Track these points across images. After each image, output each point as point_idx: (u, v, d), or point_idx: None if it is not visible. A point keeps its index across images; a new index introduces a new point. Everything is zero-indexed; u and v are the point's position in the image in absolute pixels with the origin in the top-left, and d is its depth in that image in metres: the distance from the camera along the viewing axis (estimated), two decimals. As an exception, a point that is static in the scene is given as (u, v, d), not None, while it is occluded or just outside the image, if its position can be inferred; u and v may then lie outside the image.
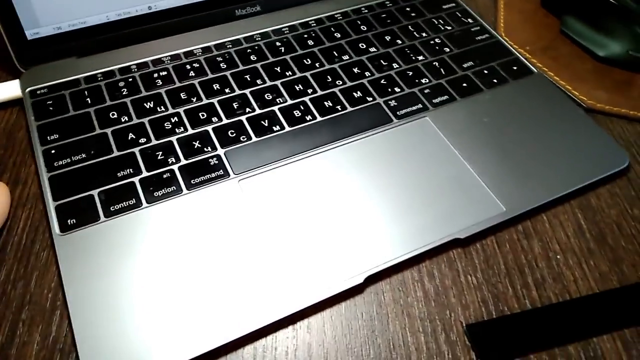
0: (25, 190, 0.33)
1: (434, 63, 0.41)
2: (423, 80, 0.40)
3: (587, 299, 0.30)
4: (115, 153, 0.34)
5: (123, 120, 0.35)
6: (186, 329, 0.26)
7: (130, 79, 0.38)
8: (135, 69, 0.39)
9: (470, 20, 0.45)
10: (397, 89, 0.39)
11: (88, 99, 0.37)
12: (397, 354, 0.27)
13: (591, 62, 0.43)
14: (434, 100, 0.38)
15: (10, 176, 0.34)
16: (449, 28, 0.44)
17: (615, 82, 0.42)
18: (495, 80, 0.40)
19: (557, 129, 0.37)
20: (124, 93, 0.37)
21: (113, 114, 0.36)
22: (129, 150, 0.34)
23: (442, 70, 0.41)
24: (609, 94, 0.41)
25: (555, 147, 0.36)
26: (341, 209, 0.32)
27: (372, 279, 0.30)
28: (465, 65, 0.41)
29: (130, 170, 0.33)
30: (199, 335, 0.26)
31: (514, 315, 0.29)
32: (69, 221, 0.30)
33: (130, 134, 0.35)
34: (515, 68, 0.41)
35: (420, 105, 0.38)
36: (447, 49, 0.42)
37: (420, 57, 0.41)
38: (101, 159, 0.33)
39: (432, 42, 0.43)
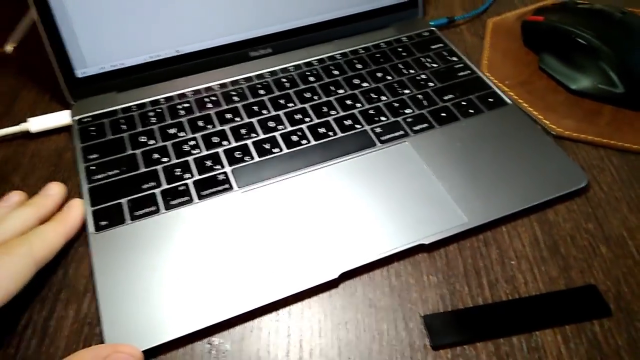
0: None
1: (418, 96, 0.47)
2: (407, 111, 0.46)
3: (534, 297, 0.34)
4: (142, 169, 0.41)
5: (150, 143, 0.43)
6: (190, 308, 0.33)
7: (159, 110, 0.46)
8: (163, 102, 0.47)
9: (454, 59, 0.51)
10: (383, 118, 0.45)
11: (123, 126, 0.44)
12: (362, 338, 0.32)
13: (564, 94, 0.48)
14: (414, 128, 0.44)
15: (58, 187, 0.41)
16: (435, 65, 0.50)
17: (584, 112, 0.47)
18: (471, 111, 0.45)
19: (523, 152, 0.42)
20: (152, 121, 0.45)
21: (143, 138, 0.43)
22: (153, 168, 0.41)
23: (424, 102, 0.46)
24: (577, 122, 0.46)
25: (520, 167, 0.41)
26: (325, 216, 0.37)
27: (347, 275, 0.35)
28: (446, 98, 0.47)
29: (153, 183, 0.40)
30: (200, 313, 0.32)
31: (466, 309, 0.34)
32: (101, 223, 0.37)
33: (155, 154, 0.42)
34: (491, 100, 0.46)
35: (402, 132, 0.44)
36: (432, 84, 0.48)
37: (407, 91, 0.47)
38: (130, 174, 0.40)
39: (418, 77, 0.49)
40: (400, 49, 0.52)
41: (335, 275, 0.34)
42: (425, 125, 0.44)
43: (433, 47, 0.52)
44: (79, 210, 0.37)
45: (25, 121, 0.45)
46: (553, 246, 0.37)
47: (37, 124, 0.45)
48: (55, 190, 0.38)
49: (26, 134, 0.45)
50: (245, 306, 0.33)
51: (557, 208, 0.40)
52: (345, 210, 0.38)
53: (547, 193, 0.39)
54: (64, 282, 0.35)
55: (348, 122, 0.45)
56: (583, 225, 0.38)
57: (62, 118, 0.45)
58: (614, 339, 0.32)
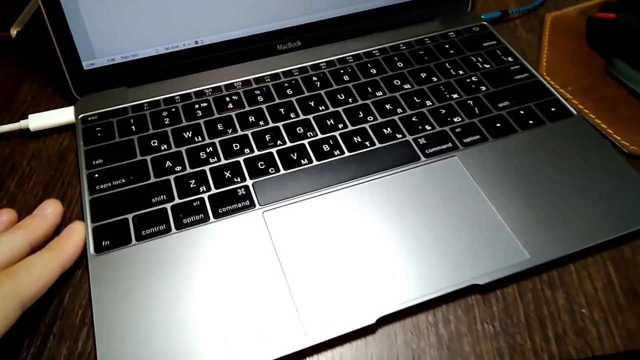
0: (69, 210, 0.35)
1: (469, 102, 0.41)
2: (455, 119, 0.40)
3: (611, 357, 0.29)
4: (152, 179, 0.36)
5: (162, 148, 0.38)
6: (202, 353, 0.28)
7: (173, 109, 0.41)
8: (179, 100, 0.41)
9: (510, 59, 0.45)
10: (427, 127, 0.39)
11: (133, 127, 0.39)
12: (404, 399, 0.27)
13: (637, 105, 0.42)
14: (464, 140, 0.38)
15: (57, 196, 0.36)
16: (487, 66, 0.44)
17: (662, 127, 0.40)
18: (531, 122, 0.39)
19: (592, 175, 0.36)
20: (166, 122, 0.39)
21: (154, 142, 0.38)
22: (164, 178, 0.36)
23: (476, 109, 0.40)
24: (654, 139, 0.39)
25: (589, 194, 0.35)
26: (360, 246, 0.32)
27: (385, 320, 0.30)
28: (500, 105, 0.41)
29: (164, 196, 0.35)
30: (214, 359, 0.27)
31: (529, 369, 0.28)
32: (103, 242, 0.32)
33: (168, 161, 0.37)
34: (553, 109, 0.40)
35: (450, 144, 0.38)
36: (484, 88, 0.42)
37: (455, 95, 0.41)
38: (139, 184, 0.35)
39: (468, 80, 0.43)
40: (447, 46, 0.46)
41: (372, 321, 0.29)
42: (476, 137, 0.38)
43: (485, 44, 0.46)
44: (78, 236, 0.32)
45: (25, 118, 0.40)
46: (631, 290, 0.31)
47: (37, 121, 0.40)
48: (50, 209, 0.33)
49: (26, 132, 0.40)
50: (268, 355, 0.28)
51: (634, 244, 0.34)
52: (384, 240, 0.32)
53: (622, 227, 0.33)
54: (57, 312, 0.30)
55: (387, 131, 0.39)
56: (666, 266, 0.32)
57: (65, 116, 0.40)
58: None
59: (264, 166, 0.36)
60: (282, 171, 0.36)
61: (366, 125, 0.39)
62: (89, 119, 0.40)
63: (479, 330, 0.30)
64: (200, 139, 0.38)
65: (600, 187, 0.35)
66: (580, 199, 0.34)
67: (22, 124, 0.40)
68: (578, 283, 0.32)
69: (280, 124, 0.39)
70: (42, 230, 0.32)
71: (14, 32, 0.50)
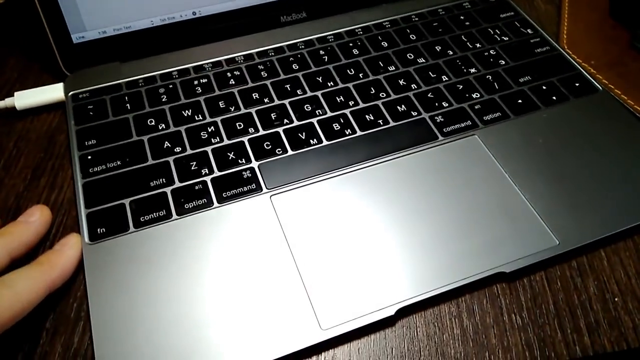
0: (61, 196, 0.33)
1: (487, 76, 0.38)
2: (474, 95, 0.37)
3: (649, 351, 0.27)
4: (150, 162, 0.33)
5: (160, 127, 0.35)
6: (208, 347, 0.25)
7: (171, 86, 0.38)
8: (177, 76, 0.38)
9: (529, 31, 0.42)
10: (444, 104, 0.36)
11: (128, 105, 0.36)
12: (428, 397, 0.25)
13: (665, 80, 0.39)
14: (484, 117, 0.35)
15: (47, 180, 0.34)
16: (506, 39, 0.41)
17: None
18: (554, 98, 0.37)
19: (621, 154, 0.33)
20: (163, 100, 0.37)
21: (151, 121, 0.35)
22: (163, 159, 0.33)
23: (495, 84, 0.38)
24: (685, 116, 0.37)
25: (619, 174, 0.32)
26: (375, 233, 0.30)
27: (405, 312, 0.27)
28: (521, 80, 0.38)
29: (163, 180, 0.32)
30: (221, 355, 0.25)
31: (561, 364, 0.26)
32: (98, 230, 0.30)
33: (167, 142, 0.34)
34: (577, 84, 0.38)
35: (469, 122, 0.35)
36: (503, 62, 0.39)
37: (473, 70, 0.39)
38: (135, 167, 0.33)
39: (486, 53, 0.40)
40: (462, 17, 0.43)
41: (392, 312, 0.27)
42: (497, 114, 0.36)
43: (502, 15, 0.43)
44: (72, 252, 0.28)
45: (10, 96, 0.37)
46: (666, 278, 0.29)
47: (24, 99, 0.37)
48: (36, 216, 0.29)
49: (12, 111, 0.37)
50: (280, 349, 0.26)
51: (668, 228, 0.31)
52: (402, 225, 0.30)
53: (655, 207, 0.31)
54: (50, 305, 0.28)
55: (402, 108, 0.36)
56: (703, 251, 0.30)
57: (53, 93, 0.37)
58: None
59: (270, 147, 0.34)
60: (290, 152, 0.34)
61: (379, 102, 0.37)
62: (80, 96, 0.37)
63: (506, 321, 0.28)
64: (200, 117, 0.36)
65: (630, 167, 0.33)
66: (609, 179, 0.32)
67: (7, 102, 0.37)
68: (609, 270, 0.30)
69: (286, 102, 0.37)
70: (25, 240, 0.28)
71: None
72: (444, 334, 0.27)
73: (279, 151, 0.34)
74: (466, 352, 0.27)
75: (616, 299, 0.28)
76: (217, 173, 0.33)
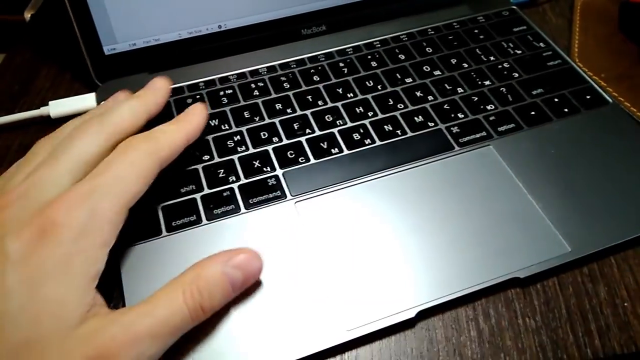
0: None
1: (501, 89, 0.40)
2: (488, 107, 0.39)
3: (657, 354, 0.28)
4: (179, 169, 0.35)
5: (188, 136, 0.37)
6: (233, 350, 0.27)
7: (198, 96, 0.39)
8: (203, 86, 0.40)
9: (542, 45, 0.43)
10: (460, 115, 0.38)
11: (157, 114, 0.38)
12: (447, 395, 0.27)
13: (673, 93, 0.41)
14: (499, 129, 0.37)
15: (82, 186, 0.35)
16: (519, 52, 0.43)
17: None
18: (566, 110, 0.38)
19: (631, 164, 0.35)
20: (190, 109, 0.38)
21: (179, 130, 0.37)
22: (192, 167, 0.35)
23: (509, 96, 0.39)
24: (692, 128, 0.38)
25: (629, 184, 0.34)
26: (395, 238, 0.31)
27: (425, 314, 0.29)
28: (534, 92, 0.39)
29: (193, 186, 0.34)
30: (246, 357, 0.27)
31: (573, 365, 0.28)
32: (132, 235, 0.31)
33: (195, 150, 0.36)
34: (588, 97, 0.39)
35: (484, 133, 0.37)
36: (516, 74, 0.41)
37: (487, 82, 0.40)
38: (165, 174, 0.34)
39: (500, 66, 0.41)
40: (476, 31, 0.44)
41: (412, 315, 0.28)
42: (511, 125, 0.37)
43: (515, 29, 0.45)
44: (201, 112, 0.33)
45: (45, 104, 0.39)
46: (674, 285, 0.31)
47: (58, 108, 0.39)
48: (160, 84, 0.34)
49: (46, 119, 0.39)
50: (304, 350, 0.27)
51: (676, 236, 0.33)
52: (421, 231, 0.32)
53: (663, 216, 0.32)
54: (89, 305, 0.30)
55: (419, 119, 0.38)
56: None
57: (86, 102, 0.39)
58: None
59: (293, 155, 0.36)
60: (313, 160, 0.35)
61: (397, 113, 0.38)
62: (112, 106, 0.39)
63: (520, 324, 0.29)
64: (226, 127, 0.37)
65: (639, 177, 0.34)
66: (619, 189, 0.33)
67: (42, 110, 0.39)
68: (619, 276, 0.31)
69: (308, 112, 0.38)
70: (157, 102, 0.33)
71: (27, 15, 0.49)
72: (461, 336, 0.29)
73: (302, 160, 0.35)
74: (482, 353, 0.28)
75: (625, 304, 0.30)
76: (243, 180, 0.34)
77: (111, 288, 0.30)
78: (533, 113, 0.38)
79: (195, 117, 0.33)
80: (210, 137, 0.37)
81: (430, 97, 0.39)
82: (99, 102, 0.39)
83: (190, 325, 0.26)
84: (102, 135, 0.29)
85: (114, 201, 0.27)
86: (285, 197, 0.33)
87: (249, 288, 0.29)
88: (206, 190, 0.34)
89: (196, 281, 0.26)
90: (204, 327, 0.28)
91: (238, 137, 0.37)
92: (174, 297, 0.25)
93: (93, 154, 0.28)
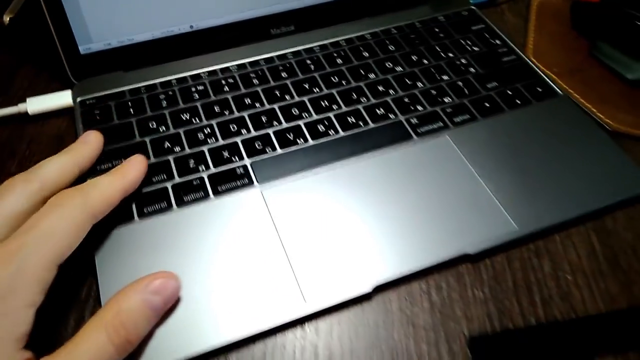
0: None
1: (458, 83, 0.42)
2: (446, 99, 0.41)
3: (593, 318, 0.30)
4: (152, 160, 0.37)
5: (161, 130, 0.39)
6: (199, 326, 0.29)
7: (170, 92, 0.41)
8: (175, 83, 0.42)
9: (497, 42, 0.46)
10: (419, 107, 0.40)
11: (131, 110, 0.40)
12: (401, 352, 0.29)
13: (620, 85, 0.43)
14: (455, 119, 0.39)
15: (59, 177, 0.37)
16: (476, 49, 0.45)
17: (642, 105, 0.42)
18: (518, 101, 0.41)
19: (577, 150, 0.37)
20: (163, 105, 0.40)
21: (152, 124, 0.39)
22: (164, 158, 0.37)
23: (465, 90, 0.42)
24: (636, 117, 0.41)
25: (573, 168, 0.36)
26: (355, 221, 0.33)
27: (381, 289, 0.31)
28: (489, 86, 0.42)
29: (164, 176, 0.36)
30: (215, 330, 0.29)
31: (516, 330, 0.30)
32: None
33: (167, 142, 0.38)
34: (539, 89, 0.42)
35: (441, 124, 0.39)
36: (472, 69, 0.43)
37: (445, 77, 0.43)
38: (139, 164, 0.36)
39: (457, 62, 0.44)
40: (437, 29, 0.47)
41: (369, 289, 0.30)
42: (466, 116, 0.40)
43: (473, 28, 0.47)
44: (141, 165, 0.33)
45: (23, 101, 0.41)
46: (612, 258, 0.33)
47: (35, 104, 0.41)
48: (92, 137, 0.34)
49: (24, 116, 0.41)
50: (267, 323, 0.29)
51: (616, 216, 0.35)
52: (379, 214, 0.34)
53: (605, 198, 0.35)
54: (63, 287, 0.31)
55: (380, 111, 0.40)
56: (646, 235, 0.34)
57: (62, 99, 0.41)
58: (685, 370, 0.28)
59: (261, 146, 0.38)
60: (279, 151, 0.37)
61: (359, 106, 0.40)
62: (87, 102, 0.41)
63: (470, 296, 0.31)
64: (197, 120, 0.39)
65: (584, 162, 0.37)
66: (565, 173, 0.36)
67: (20, 107, 0.41)
68: (563, 252, 0.33)
69: (275, 106, 0.40)
70: (88, 155, 0.33)
71: (6, 19, 0.50)
72: (414, 307, 0.31)
73: (268, 149, 0.37)
74: (434, 323, 0.30)
75: (568, 277, 0.32)
76: (212, 169, 0.36)
77: (85, 272, 0.32)
78: (487, 105, 0.40)
79: (132, 169, 0.33)
80: (181, 130, 0.38)
81: (391, 91, 0.42)
82: (74, 99, 0.41)
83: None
84: (27, 191, 0.28)
85: (43, 258, 0.26)
86: (253, 184, 0.35)
87: (219, 267, 0.31)
88: (177, 179, 0.35)
89: (118, 317, 0.25)
90: (177, 304, 0.29)
91: (208, 129, 0.39)
92: (98, 339, 0.25)
93: (20, 212, 0.28)
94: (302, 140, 0.38)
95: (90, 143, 0.34)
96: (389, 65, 0.44)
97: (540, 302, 0.31)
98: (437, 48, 0.45)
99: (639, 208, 0.36)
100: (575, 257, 0.33)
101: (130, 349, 0.26)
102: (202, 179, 0.36)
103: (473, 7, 0.49)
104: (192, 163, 0.36)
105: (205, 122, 0.39)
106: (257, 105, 0.40)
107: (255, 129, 0.39)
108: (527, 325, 0.30)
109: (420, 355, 0.29)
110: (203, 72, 0.43)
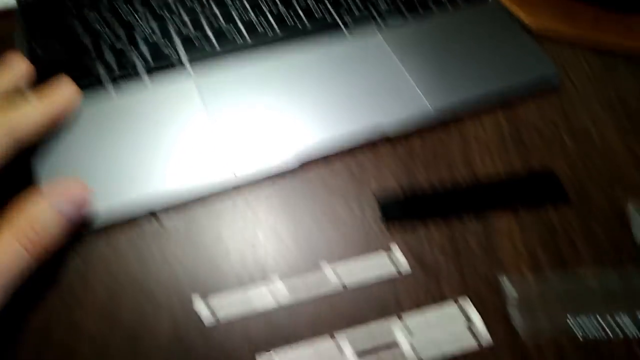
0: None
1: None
2: (379, 2, 0.43)
3: (491, 182, 0.34)
4: (90, 47, 0.39)
5: (99, 21, 0.40)
6: (136, 186, 0.32)
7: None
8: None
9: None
10: (354, 8, 0.43)
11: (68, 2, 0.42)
12: (320, 220, 0.32)
13: (546, -10, 0.46)
14: (387, 20, 0.42)
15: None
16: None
17: (566, 9, 0.45)
18: (449, 4, 0.43)
19: (496, 45, 0.40)
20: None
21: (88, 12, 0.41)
22: (99, 44, 0.39)
23: (398, -8, 0.44)
24: (557, 20, 0.44)
25: (490, 59, 0.40)
26: (287, 105, 0.36)
27: (307, 163, 0.34)
28: (420, -11, 0.44)
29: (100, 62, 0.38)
30: (148, 191, 0.32)
31: (420, 190, 0.33)
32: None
33: (106, 34, 0.40)
34: (470, -7, 0.44)
35: (374, 23, 0.42)
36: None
37: (379, -19, 0.45)
38: (77, 54, 0.38)
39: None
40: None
41: (296, 165, 0.34)
42: (398, 17, 0.42)
43: None
44: (67, 89, 0.33)
45: (-27, 3, 0.42)
46: (516, 135, 0.37)
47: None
48: (13, 59, 0.34)
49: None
50: (201, 191, 0.32)
51: (527, 103, 0.39)
52: (309, 99, 0.37)
53: (515, 82, 0.38)
54: None
55: (316, 11, 0.42)
56: (550, 118, 0.38)
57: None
58: (569, 225, 0.33)
59: (198, 41, 0.40)
60: (216, 46, 0.40)
61: (297, 7, 0.43)
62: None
63: (384, 168, 0.35)
64: (136, 14, 0.41)
65: (501, 54, 0.40)
66: (482, 62, 0.39)
67: (-29, 9, 0.42)
68: (473, 130, 0.37)
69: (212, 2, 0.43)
70: (8, 77, 0.32)
71: None
72: (336, 178, 0.34)
73: (207, 48, 0.40)
74: (351, 187, 0.34)
75: (474, 150, 0.36)
76: (149, 56, 0.38)
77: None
78: (418, 7, 0.43)
79: (59, 90, 0.32)
80: (118, 18, 0.40)
81: (329, -6, 0.44)
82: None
83: (34, 265, 0.26)
84: None
85: None
86: (190, 75, 0.38)
87: (158, 143, 0.34)
88: (116, 72, 0.38)
89: (28, 222, 0.25)
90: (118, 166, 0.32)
91: (148, 27, 0.41)
92: (10, 245, 0.25)
93: None
94: (239, 36, 0.40)
95: (8, 66, 0.33)
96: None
97: (446, 168, 0.35)
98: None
99: (549, 98, 0.39)
100: (483, 135, 0.37)
101: (44, 254, 0.26)
102: (136, 65, 0.38)
103: None
104: (128, 51, 0.39)
105: (142, 13, 0.41)
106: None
107: (195, 29, 0.41)
108: (432, 190, 0.34)
109: (337, 216, 0.33)
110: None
